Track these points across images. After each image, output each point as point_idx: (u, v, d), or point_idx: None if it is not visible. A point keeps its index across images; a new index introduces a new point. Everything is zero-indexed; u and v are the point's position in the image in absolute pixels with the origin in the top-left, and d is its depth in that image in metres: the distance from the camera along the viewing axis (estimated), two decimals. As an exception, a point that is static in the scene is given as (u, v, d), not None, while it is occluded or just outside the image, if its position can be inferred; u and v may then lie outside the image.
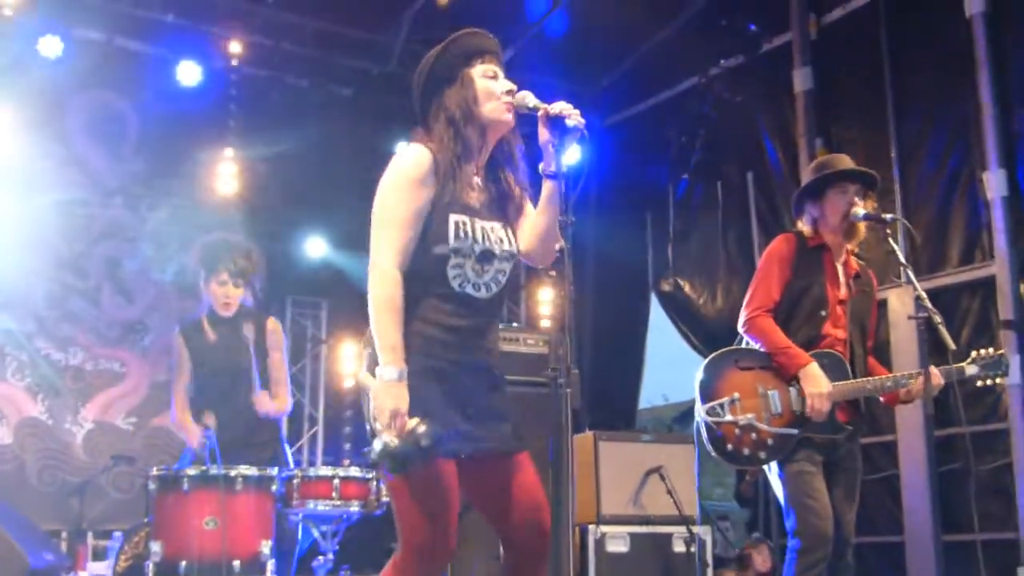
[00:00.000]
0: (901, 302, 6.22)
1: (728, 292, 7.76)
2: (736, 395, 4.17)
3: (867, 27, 6.86)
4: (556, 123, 2.95)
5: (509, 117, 3.06)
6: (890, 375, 4.22)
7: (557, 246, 2.93)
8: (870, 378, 4.20)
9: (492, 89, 3.07)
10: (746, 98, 7.48)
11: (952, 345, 4.02)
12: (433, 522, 2.86)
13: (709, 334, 7.84)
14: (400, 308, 2.92)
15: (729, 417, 4.14)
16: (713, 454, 4.20)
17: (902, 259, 4.18)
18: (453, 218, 2.98)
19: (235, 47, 7.54)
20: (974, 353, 4.22)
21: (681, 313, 8.27)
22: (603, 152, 8.52)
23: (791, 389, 4.18)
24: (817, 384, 4.10)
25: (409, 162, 2.99)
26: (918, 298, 4.07)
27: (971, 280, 6.20)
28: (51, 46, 6.91)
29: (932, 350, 4.42)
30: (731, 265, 7.80)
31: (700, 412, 4.22)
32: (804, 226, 4.38)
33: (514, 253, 3.11)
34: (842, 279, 4.35)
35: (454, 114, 3.04)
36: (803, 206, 4.42)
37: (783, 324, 4.24)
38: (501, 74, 3.10)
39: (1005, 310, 5.94)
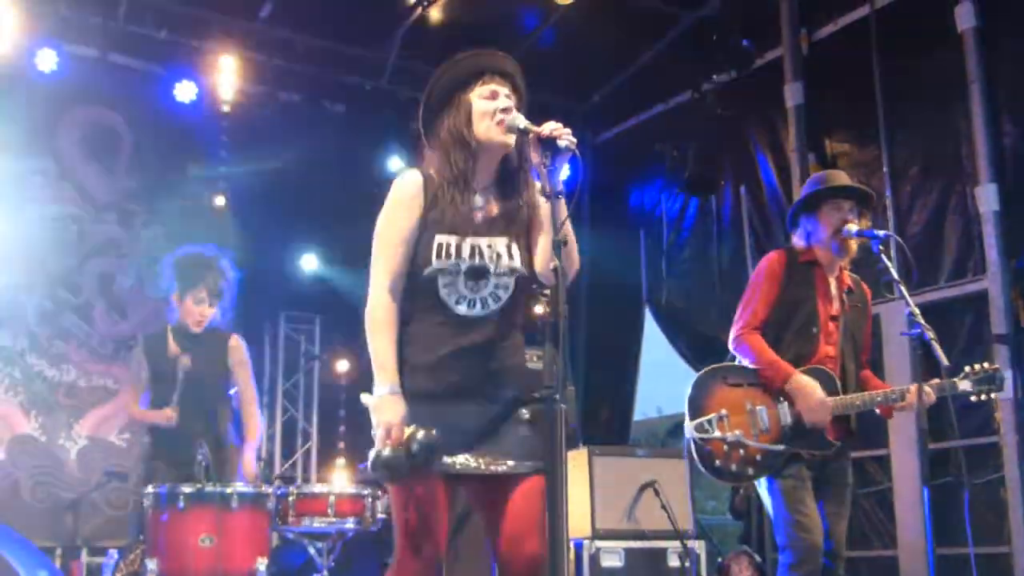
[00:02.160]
0: (893, 318, 6.23)
1: (722, 306, 7.75)
2: (724, 411, 4.19)
3: (858, 42, 6.88)
4: (548, 144, 2.95)
5: (503, 137, 3.06)
6: (880, 391, 4.22)
7: (552, 265, 2.95)
8: (860, 394, 4.20)
9: (486, 110, 3.07)
10: (738, 113, 7.51)
11: (945, 361, 4.04)
12: (418, 527, 2.95)
13: (703, 347, 7.86)
14: (391, 328, 3.02)
15: (717, 433, 4.15)
16: (702, 470, 4.22)
17: (895, 275, 4.20)
18: (438, 239, 3.03)
19: (228, 63, 7.55)
20: (967, 368, 4.21)
21: (675, 327, 8.29)
22: (596, 168, 8.55)
23: (779, 405, 4.20)
24: (808, 393, 4.11)
25: (397, 186, 3.09)
26: (911, 314, 4.09)
27: (963, 295, 6.22)
28: (45, 61, 6.92)
29: (925, 366, 4.44)
30: (724, 279, 7.81)
31: (689, 429, 4.23)
32: (798, 240, 4.40)
33: (516, 268, 3.10)
34: (835, 294, 4.36)
35: (445, 139, 3.09)
36: (798, 220, 4.43)
37: (774, 341, 4.26)
38: (502, 92, 3.10)
39: (998, 324, 5.96)
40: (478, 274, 3.06)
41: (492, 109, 3.06)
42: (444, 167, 3.08)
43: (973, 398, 4.21)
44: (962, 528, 5.24)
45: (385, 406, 2.93)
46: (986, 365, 4.21)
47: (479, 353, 3.04)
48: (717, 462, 4.16)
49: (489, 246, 3.08)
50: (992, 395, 4.23)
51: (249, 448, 5.00)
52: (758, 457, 4.14)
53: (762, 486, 4.22)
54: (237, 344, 5.18)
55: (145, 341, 5.16)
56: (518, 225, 3.15)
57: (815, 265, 4.34)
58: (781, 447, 4.14)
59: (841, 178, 4.39)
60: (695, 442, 4.20)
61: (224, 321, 5.18)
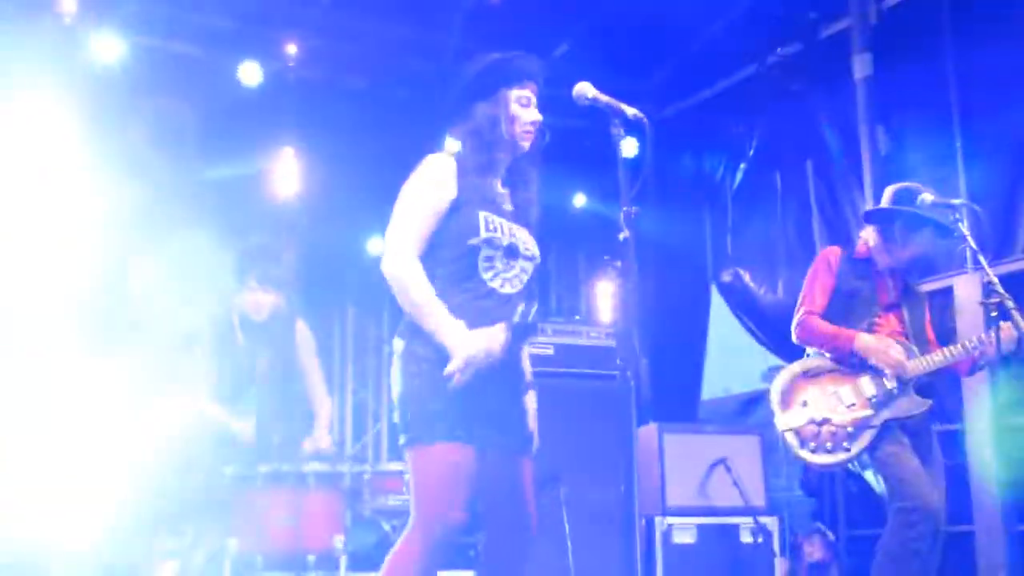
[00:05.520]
0: (968, 289, 6.13)
1: (789, 282, 7.69)
2: (806, 400, 4.37)
3: (929, 11, 6.74)
4: (616, 113, 3.02)
5: (526, 145, 3.26)
6: (958, 344, 4.29)
7: (620, 236, 2.99)
8: (939, 350, 4.28)
9: (520, 116, 3.23)
10: (804, 86, 7.41)
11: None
12: (448, 495, 3.02)
13: (771, 324, 7.80)
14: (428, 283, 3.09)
15: (805, 420, 4.29)
16: (802, 459, 4.35)
17: (972, 244, 4.16)
18: (482, 213, 3.14)
19: (291, 49, 7.60)
20: None
21: (742, 304, 8.22)
22: (660, 145, 8.48)
23: (860, 378, 4.31)
24: (877, 345, 4.25)
25: (431, 166, 3.20)
26: (989, 283, 4.06)
27: (1038, 266, 6.11)
28: (110, 52, 7.00)
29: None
30: (791, 255, 7.72)
31: (779, 425, 4.41)
32: (868, 238, 4.54)
33: (536, 257, 3.27)
34: (890, 284, 4.50)
35: (481, 127, 3.22)
36: (882, 224, 4.51)
37: (839, 322, 4.40)
38: (534, 101, 3.28)
39: (1075, 295, 5.84)
40: (514, 253, 3.18)
41: (527, 118, 3.24)
42: (474, 153, 3.21)
43: None
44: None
45: (473, 336, 3.01)
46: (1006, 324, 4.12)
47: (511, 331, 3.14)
48: (812, 444, 4.29)
49: (517, 230, 3.23)
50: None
51: (320, 427, 5.05)
52: (850, 429, 4.24)
53: (866, 465, 4.30)
54: (303, 328, 5.24)
55: (213, 327, 5.21)
56: (531, 217, 3.32)
57: (871, 262, 4.49)
58: (871, 413, 4.21)
59: (940, 215, 4.33)
60: (787, 436, 4.35)
61: (290, 307, 5.24)
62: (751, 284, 8.15)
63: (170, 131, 7.73)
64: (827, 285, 4.46)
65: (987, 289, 4.11)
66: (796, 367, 4.52)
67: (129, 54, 7.09)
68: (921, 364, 4.27)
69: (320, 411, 5.19)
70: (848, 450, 4.23)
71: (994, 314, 4.04)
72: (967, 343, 4.25)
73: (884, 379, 4.30)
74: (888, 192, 4.61)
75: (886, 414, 4.23)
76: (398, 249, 3.09)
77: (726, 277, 8.33)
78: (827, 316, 4.43)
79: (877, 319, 4.42)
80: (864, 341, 4.28)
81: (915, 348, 4.35)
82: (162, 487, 4.78)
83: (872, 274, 4.49)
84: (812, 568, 6.60)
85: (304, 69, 7.77)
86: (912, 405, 4.25)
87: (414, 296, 3.03)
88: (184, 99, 7.81)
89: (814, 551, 6.65)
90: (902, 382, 4.27)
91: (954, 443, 6.38)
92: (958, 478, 6.35)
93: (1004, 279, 4.77)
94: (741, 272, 8.23)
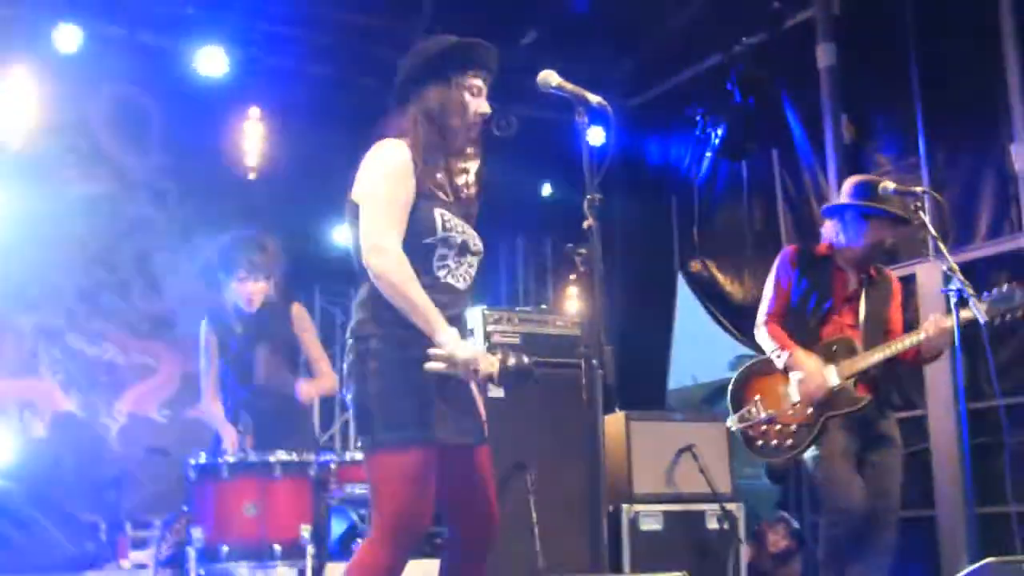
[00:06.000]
0: (930, 276, 6.20)
1: (755, 271, 7.74)
2: (758, 397, 4.60)
3: (892, 1, 6.80)
4: (580, 101, 3.03)
5: (473, 135, 3.23)
6: (896, 338, 4.44)
7: (585, 224, 3.00)
8: (875, 348, 4.41)
9: (470, 106, 3.19)
10: (770, 75, 7.45)
11: (984, 316, 4.05)
12: (416, 503, 2.97)
13: (737, 314, 7.85)
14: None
15: (755, 417, 4.57)
16: (752, 454, 4.68)
17: (932, 231, 4.21)
18: (438, 211, 3.10)
19: (256, 38, 7.55)
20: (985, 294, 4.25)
21: (709, 293, 8.27)
22: (626, 134, 8.51)
23: None
24: (801, 370, 4.43)
25: (393, 154, 3.10)
26: (949, 270, 4.11)
27: (1000, 253, 6.16)
28: (71, 40, 6.91)
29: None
30: (757, 244, 7.77)
31: (732, 421, 4.69)
32: (827, 234, 4.66)
33: (481, 251, 3.24)
34: (850, 277, 4.62)
35: (434, 110, 3.16)
36: (837, 216, 4.63)
37: (795, 324, 4.60)
38: (485, 92, 3.23)
39: (1035, 282, 5.91)
40: (465, 250, 3.17)
41: (477, 109, 3.20)
42: (424, 137, 3.13)
43: (993, 318, 4.18)
44: (1000, 487, 5.25)
45: (466, 344, 3.01)
46: (1005, 286, 4.21)
47: (460, 325, 3.14)
48: (760, 442, 4.57)
49: (464, 226, 3.19)
50: (1010, 317, 4.20)
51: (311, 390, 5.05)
52: (793, 428, 4.48)
53: (807, 458, 4.50)
54: (300, 311, 5.23)
55: (211, 321, 5.18)
56: (475, 210, 3.28)
57: (830, 259, 4.62)
58: (811, 412, 4.43)
59: (894, 203, 4.45)
60: (740, 430, 4.65)
61: (281, 293, 5.22)
62: (717, 273, 8.19)
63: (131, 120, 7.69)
64: (783, 286, 4.64)
65: (946, 277, 4.17)
66: (754, 365, 4.75)
67: (91, 43, 7.00)
68: (850, 368, 4.41)
69: (323, 382, 5.20)
70: (792, 448, 4.47)
71: (954, 301, 4.11)
72: (905, 337, 4.40)
73: (830, 376, 4.45)
74: (846, 185, 4.72)
75: (827, 412, 4.40)
76: (387, 244, 3.00)
77: (693, 267, 8.37)
78: (785, 315, 4.64)
79: (831, 314, 4.56)
80: (792, 360, 4.49)
81: (860, 344, 4.46)
82: None
83: (831, 269, 4.61)
84: (776, 556, 6.66)
85: (270, 57, 7.72)
86: (852, 401, 4.39)
87: (409, 294, 2.96)
88: (146, 88, 7.75)
89: (778, 539, 6.71)
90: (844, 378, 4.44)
91: (917, 429, 6.45)
92: (921, 463, 6.43)
93: (965, 267, 4.85)
94: (708, 262, 8.27)
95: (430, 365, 2.95)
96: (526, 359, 3.06)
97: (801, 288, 4.60)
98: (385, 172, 3.09)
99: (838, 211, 4.64)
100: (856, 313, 4.56)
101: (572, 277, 9.03)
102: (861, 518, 4.31)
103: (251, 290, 5.00)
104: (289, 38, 7.79)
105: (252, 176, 7.89)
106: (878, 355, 4.39)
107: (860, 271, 4.63)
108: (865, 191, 4.52)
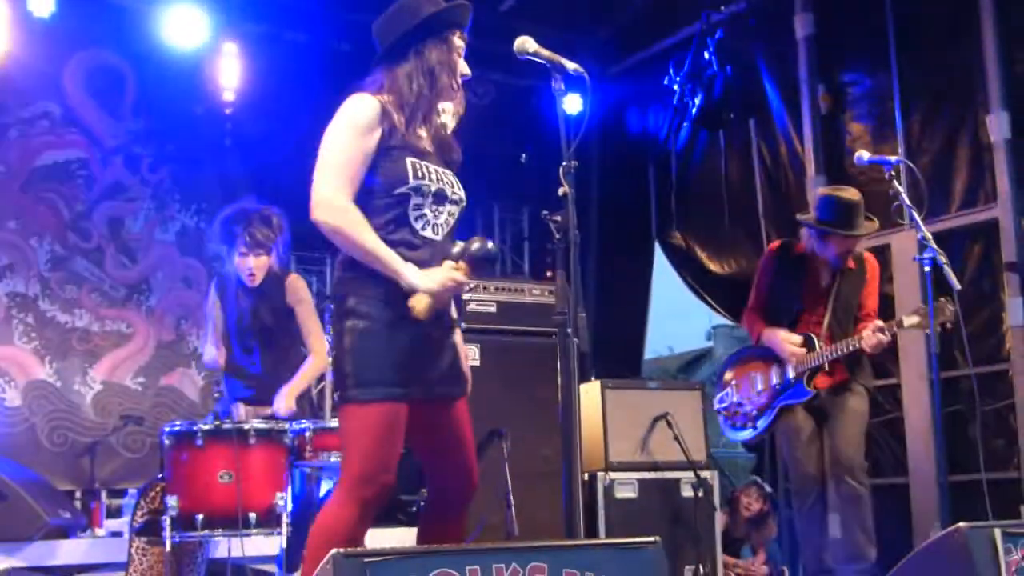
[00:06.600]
0: (904, 246, 6.22)
1: (732, 242, 7.75)
2: (733, 382, 5.32)
3: (869, -30, 6.80)
4: (556, 68, 3.03)
5: (457, 96, 3.24)
6: (839, 343, 4.91)
7: (560, 191, 2.99)
8: (825, 348, 4.92)
9: (456, 66, 3.22)
10: (747, 44, 7.43)
11: (957, 284, 4.13)
12: (381, 455, 2.99)
13: (714, 284, 7.87)
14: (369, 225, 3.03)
15: (728, 400, 5.31)
16: (729, 434, 5.39)
17: (906, 200, 4.23)
18: (409, 160, 3.08)
19: (233, 2, 7.47)
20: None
21: (685, 264, 8.28)
22: (604, 103, 8.48)
23: (772, 368, 5.09)
24: (777, 345, 5.01)
25: (356, 110, 3.08)
26: (923, 239, 4.14)
27: (974, 223, 6.20)
28: (43, 5, 6.82)
29: (938, 293, 4.47)
30: (734, 214, 7.77)
31: (715, 403, 5.43)
32: (804, 237, 5.12)
33: (462, 199, 3.23)
34: (824, 274, 5.03)
35: (434, 68, 3.15)
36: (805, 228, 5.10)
37: (772, 319, 5.11)
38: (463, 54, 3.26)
39: (1008, 252, 5.96)
40: (442, 199, 3.14)
41: (460, 69, 3.23)
42: (418, 92, 3.12)
43: (927, 329, 4.54)
44: (972, 455, 5.32)
45: (426, 273, 3.02)
46: (943, 299, 4.49)
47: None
48: (732, 422, 5.30)
49: (444, 174, 3.18)
50: (947, 327, 4.66)
51: (289, 386, 4.97)
52: (755, 412, 5.15)
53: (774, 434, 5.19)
54: (293, 282, 5.11)
55: (218, 287, 5.13)
56: (456, 161, 3.28)
57: (806, 257, 5.06)
58: (770, 398, 5.09)
59: (855, 216, 4.86)
60: (718, 411, 5.38)
61: (280, 266, 5.15)
62: (694, 244, 8.20)
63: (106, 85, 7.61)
64: (763, 281, 5.17)
65: (920, 245, 4.20)
66: (743, 352, 5.39)
67: (64, 7, 6.91)
68: (810, 358, 4.93)
69: (303, 366, 5.12)
70: (755, 428, 5.15)
71: (927, 270, 4.17)
72: (847, 343, 4.85)
73: (788, 368, 5.02)
74: (817, 195, 5.21)
75: (781, 400, 5.02)
76: (330, 196, 3.00)
77: (670, 237, 8.37)
78: (764, 307, 5.17)
79: (801, 314, 5.04)
80: (766, 336, 5.08)
81: (818, 341, 4.94)
82: None
83: (805, 268, 5.04)
84: (750, 519, 6.72)
85: (246, 23, 7.64)
86: (799, 394, 4.99)
87: (361, 241, 2.97)
88: (120, 53, 7.67)
89: (751, 502, 6.77)
90: (803, 370, 4.96)
91: (890, 398, 6.51)
92: (894, 432, 6.49)
93: (939, 236, 4.88)
94: (684, 232, 8.28)
95: (412, 304, 2.97)
96: (490, 244, 3.12)
97: (776, 289, 5.13)
98: (342, 126, 3.07)
99: (804, 224, 5.07)
100: (825, 309, 4.98)
101: (548, 246, 9.02)
102: (817, 481, 4.96)
103: (252, 265, 4.91)
104: (265, 2, 7.71)
105: (227, 142, 7.82)
106: (826, 353, 4.89)
107: (834, 268, 5.00)
108: (827, 209, 4.89)
